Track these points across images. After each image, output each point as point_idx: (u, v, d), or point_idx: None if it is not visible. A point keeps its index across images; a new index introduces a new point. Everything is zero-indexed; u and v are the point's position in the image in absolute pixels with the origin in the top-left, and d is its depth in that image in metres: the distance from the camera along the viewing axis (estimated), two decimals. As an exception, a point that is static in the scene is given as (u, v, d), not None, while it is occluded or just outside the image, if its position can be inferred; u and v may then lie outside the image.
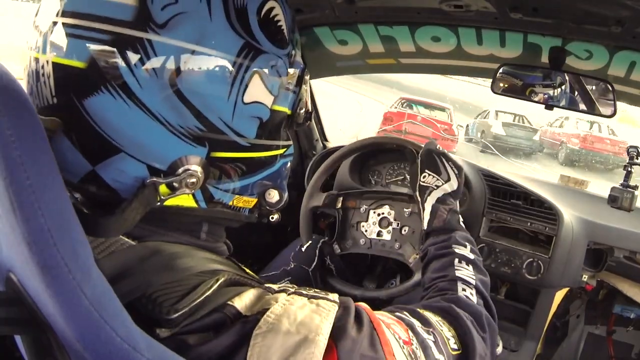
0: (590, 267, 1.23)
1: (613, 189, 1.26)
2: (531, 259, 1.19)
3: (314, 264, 1.02)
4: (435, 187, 0.81)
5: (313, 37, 1.37)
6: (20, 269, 0.36)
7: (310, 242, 1.08)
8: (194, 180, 0.45)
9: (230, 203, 0.52)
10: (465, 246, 0.74)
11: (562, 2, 0.92)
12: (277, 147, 0.54)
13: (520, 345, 1.26)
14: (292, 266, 1.05)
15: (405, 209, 1.05)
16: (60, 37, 0.41)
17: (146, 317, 0.40)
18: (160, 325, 0.40)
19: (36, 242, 0.32)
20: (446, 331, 0.55)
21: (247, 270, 0.56)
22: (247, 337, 0.40)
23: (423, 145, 0.89)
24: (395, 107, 8.55)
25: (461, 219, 0.81)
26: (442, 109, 8.68)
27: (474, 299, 0.65)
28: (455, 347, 0.55)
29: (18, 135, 0.31)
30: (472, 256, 0.73)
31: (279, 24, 0.49)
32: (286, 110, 0.53)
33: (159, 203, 0.45)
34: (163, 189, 0.44)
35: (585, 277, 1.22)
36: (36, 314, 0.36)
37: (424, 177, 0.83)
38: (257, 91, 0.47)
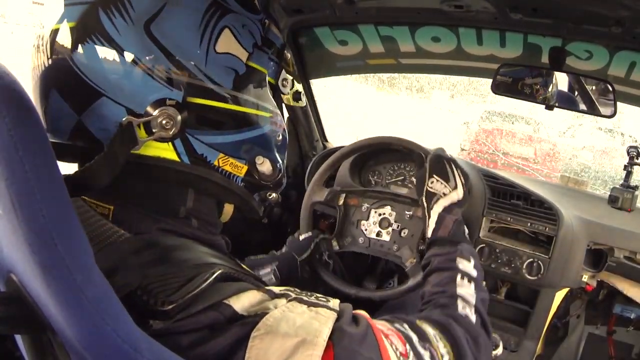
0: (590, 267, 1.23)
1: (613, 189, 1.26)
2: (531, 259, 1.19)
3: (305, 255, 1.01)
4: (443, 195, 0.80)
5: (313, 37, 1.36)
6: (21, 269, 0.36)
7: (309, 233, 1.07)
8: (169, 120, 0.48)
9: (215, 162, 0.53)
10: (469, 260, 0.72)
11: (562, 2, 0.92)
12: (262, 109, 0.56)
13: (520, 345, 1.25)
14: (283, 250, 1.03)
15: (406, 212, 1.05)
16: (57, 11, 0.48)
17: (141, 308, 0.40)
18: (154, 316, 0.40)
19: (37, 242, 0.32)
20: (442, 347, 0.56)
21: (244, 266, 0.56)
22: (245, 339, 0.40)
23: (431, 150, 0.88)
24: (488, 122, 7.40)
25: (466, 231, 0.79)
26: (526, 121, 7.36)
27: (473, 318, 0.64)
28: None
29: (19, 136, 0.31)
30: (474, 273, 0.71)
31: None
32: (264, 70, 0.56)
33: (138, 146, 0.48)
34: (142, 134, 0.47)
35: (585, 278, 1.22)
36: (37, 314, 0.36)
37: (432, 182, 0.81)
38: (229, 44, 0.51)
